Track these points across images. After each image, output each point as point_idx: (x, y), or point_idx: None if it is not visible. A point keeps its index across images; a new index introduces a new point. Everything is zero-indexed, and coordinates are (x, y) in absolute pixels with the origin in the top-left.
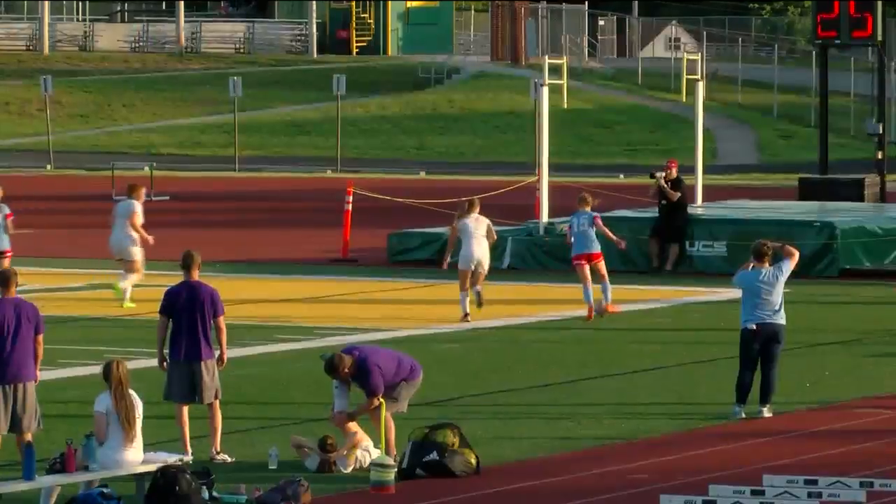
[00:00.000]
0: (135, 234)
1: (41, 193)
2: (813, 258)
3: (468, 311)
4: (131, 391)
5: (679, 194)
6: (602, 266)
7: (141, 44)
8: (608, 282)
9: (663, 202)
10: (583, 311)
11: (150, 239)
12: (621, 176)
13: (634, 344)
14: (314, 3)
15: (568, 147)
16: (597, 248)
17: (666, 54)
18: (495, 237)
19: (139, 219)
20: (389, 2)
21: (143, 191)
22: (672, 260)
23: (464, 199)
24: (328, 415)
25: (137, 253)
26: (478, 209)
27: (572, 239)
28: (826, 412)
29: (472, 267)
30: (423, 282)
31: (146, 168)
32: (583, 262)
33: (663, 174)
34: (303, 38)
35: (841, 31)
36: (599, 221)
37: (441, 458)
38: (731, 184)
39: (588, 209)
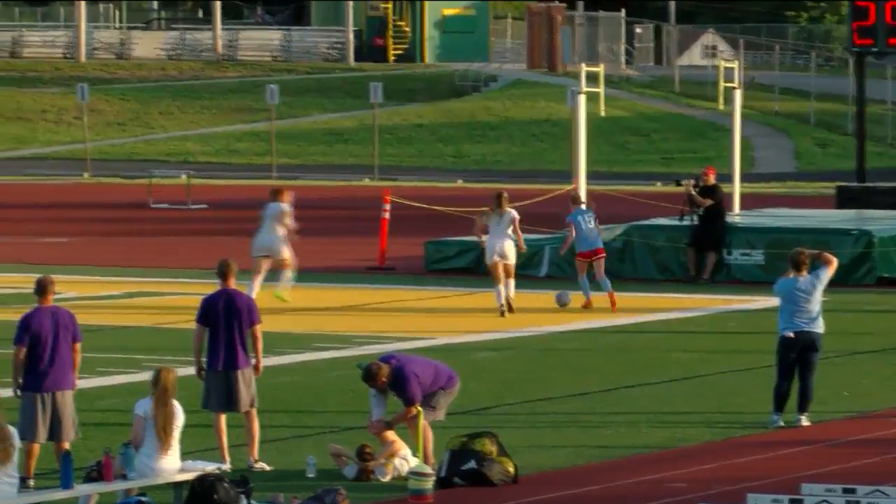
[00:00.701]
0: (283, 234)
1: (78, 201)
2: (850, 266)
3: (503, 303)
4: (175, 401)
5: (710, 201)
6: (603, 262)
7: (178, 52)
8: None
9: (700, 210)
10: (624, 319)
11: (294, 234)
12: (658, 184)
13: (672, 352)
14: (350, 10)
15: (604, 155)
16: (601, 243)
17: (703, 62)
18: (520, 233)
19: (290, 219)
20: (426, 10)
21: (290, 193)
22: (709, 268)
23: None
24: (366, 423)
25: (286, 250)
26: (506, 205)
27: (577, 236)
28: (864, 421)
29: (497, 259)
30: (460, 290)
31: (183, 176)
32: (590, 257)
33: (692, 181)
34: (339, 45)
35: (878, 39)
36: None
37: (479, 467)
38: (769, 192)
39: (585, 206)
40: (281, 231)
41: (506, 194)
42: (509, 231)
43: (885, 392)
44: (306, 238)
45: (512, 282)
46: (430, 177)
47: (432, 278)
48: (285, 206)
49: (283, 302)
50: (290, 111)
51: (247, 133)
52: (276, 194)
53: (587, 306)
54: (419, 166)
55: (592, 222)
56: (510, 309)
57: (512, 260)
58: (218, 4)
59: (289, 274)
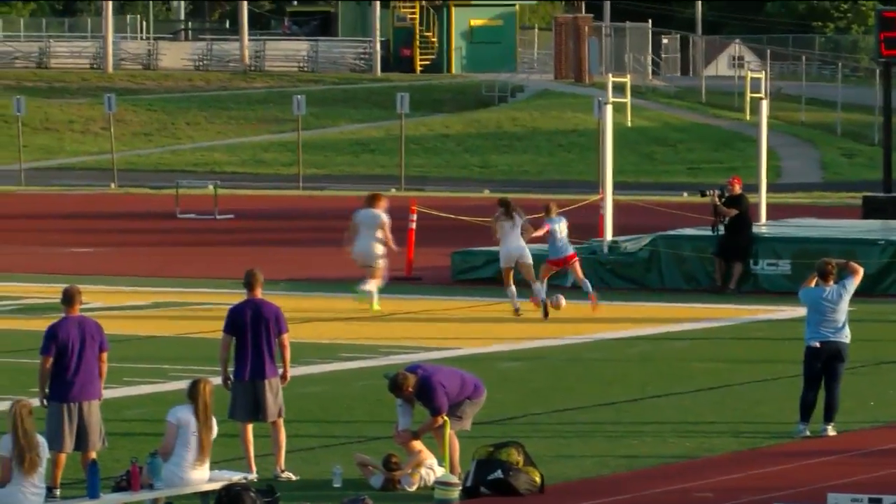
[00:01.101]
0: (379, 241)
1: (105, 212)
2: (877, 276)
3: (518, 306)
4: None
5: (735, 211)
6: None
7: (205, 62)
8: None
9: (726, 220)
10: (650, 329)
11: (395, 247)
12: (684, 194)
13: (698, 362)
14: (377, 21)
15: (631, 165)
16: (573, 249)
17: (729, 72)
18: (531, 231)
19: (387, 226)
20: (453, 20)
21: (385, 200)
22: (736, 278)
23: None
24: (392, 433)
25: (382, 260)
26: (512, 208)
27: (552, 243)
28: (890, 431)
29: (512, 264)
30: (487, 300)
31: (210, 186)
32: (561, 265)
33: (716, 191)
34: (366, 56)
35: None
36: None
37: (505, 477)
38: (795, 202)
39: (556, 215)
40: (378, 239)
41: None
42: (519, 231)
43: None
44: (334, 248)
45: (531, 271)
46: (456, 187)
47: (459, 288)
48: (380, 212)
49: (365, 304)
50: (316, 122)
51: (273, 143)
52: (371, 201)
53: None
54: (446, 177)
55: (565, 230)
56: (545, 314)
57: (528, 261)
58: (245, 15)
59: (378, 283)
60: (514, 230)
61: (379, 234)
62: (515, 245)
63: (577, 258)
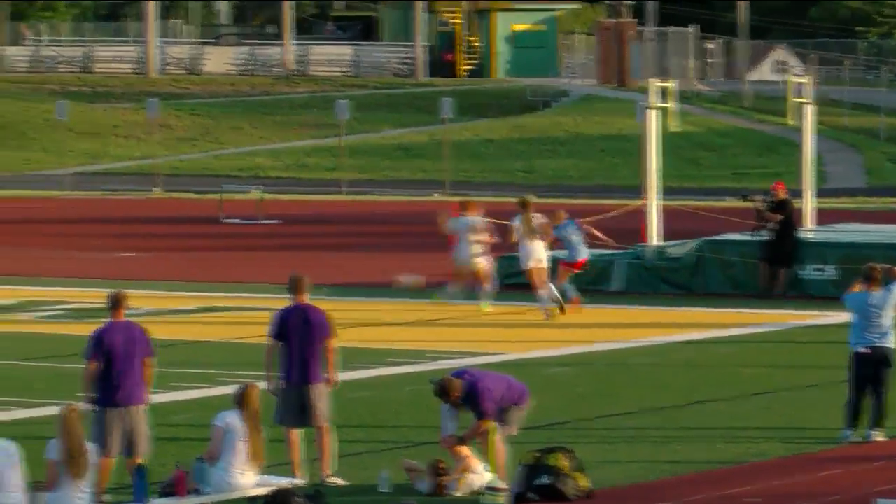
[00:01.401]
0: (479, 246)
1: (150, 216)
2: None
3: (554, 304)
4: None
5: (779, 216)
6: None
7: (248, 67)
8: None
9: (770, 225)
10: (696, 334)
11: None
12: (728, 199)
13: (744, 367)
14: (421, 26)
15: (675, 170)
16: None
17: (773, 77)
18: (549, 233)
19: (484, 231)
20: (496, 25)
21: (477, 206)
22: (782, 283)
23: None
24: (439, 438)
25: (482, 263)
26: (531, 209)
27: (571, 246)
28: None
29: (531, 265)
30: (533, 305)
31: (254, 191)
32: (578, 268)
33: (760, 197)
34: (409, 61)
35: None
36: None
37: (553, 482)
38: (840, 207)
39: (567, 219)
40: (476, 243)
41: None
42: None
43: None
44: (377, 253)
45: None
46: (501, 192)
47: (504, 293)
48: (476, 218)
49: (484, 310)
50: (360, 126)
51: (317, 148)
52: (465, 207)
53: (564, 311)
54: (490, 181)
55: (579, 234)
56: (561, 309)
57: (544, 264)
58: (288, 20)
59: (487, 286)
60: (527, 230)
61: (478, 238)
62: (534, 246)
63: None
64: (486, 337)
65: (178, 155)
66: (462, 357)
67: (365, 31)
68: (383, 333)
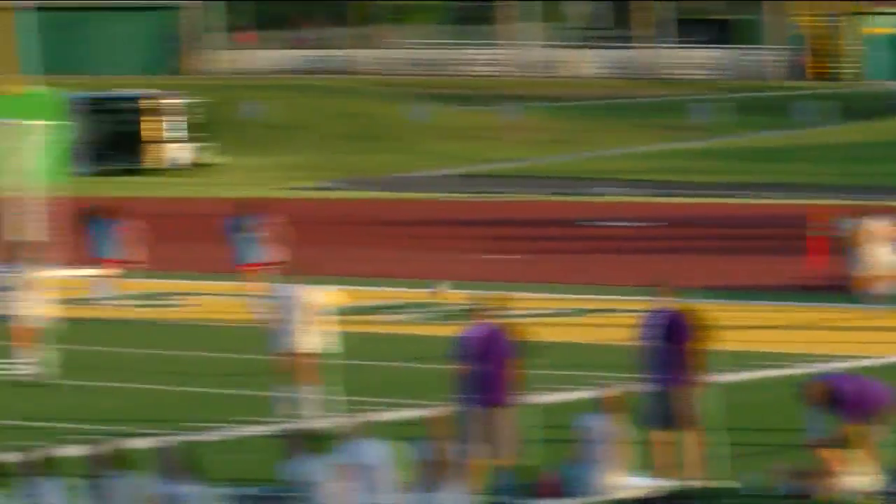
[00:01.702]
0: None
1: (522, 218)
2: None
3: None
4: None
5: None
6: None
7: (616, 70)
8: None
9: None
10: None
11: None
12: None
13: None
14: (781, 29)
15: None
16: None
17: None
18: None
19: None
20: (858, 28)
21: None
22: None
23: None
24: (804, 442)
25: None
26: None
27: None
28: None
29: None
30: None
31: (624, 194)
32: None
33: None
34: (773, 64)
35: None
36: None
37: None
38: None
39: None
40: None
41: None
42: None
43: None
44: (748, 256)
45: None
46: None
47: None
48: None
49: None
50: (719, 130)
51: (675, 151)
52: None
53: None
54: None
55: None
56: None
57: None
58: (652, 22)
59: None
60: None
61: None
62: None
63: None
64: (872, 340)
65: (549, 157)
66: (830, 361)
67: (719, 33)
68: (749, 336)
